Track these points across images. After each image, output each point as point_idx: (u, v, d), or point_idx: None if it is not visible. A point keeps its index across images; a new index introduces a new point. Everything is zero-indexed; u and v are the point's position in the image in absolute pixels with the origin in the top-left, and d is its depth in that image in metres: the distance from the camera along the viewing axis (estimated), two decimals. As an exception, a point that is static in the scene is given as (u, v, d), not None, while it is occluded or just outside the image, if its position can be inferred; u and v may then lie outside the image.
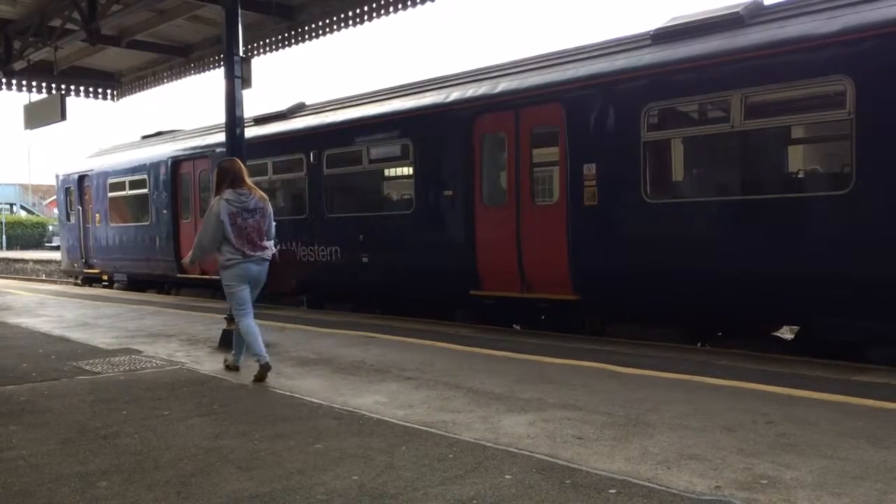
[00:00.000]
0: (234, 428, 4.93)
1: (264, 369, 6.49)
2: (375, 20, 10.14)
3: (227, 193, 6.71)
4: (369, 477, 3.89)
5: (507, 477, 3.84)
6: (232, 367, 7.04)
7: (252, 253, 6.70)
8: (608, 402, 5.41)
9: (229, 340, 8.20)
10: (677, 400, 5.41)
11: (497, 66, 10.65)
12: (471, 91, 10.14)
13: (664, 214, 8.19)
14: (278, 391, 6.06)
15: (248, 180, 6.98)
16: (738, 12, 7.93)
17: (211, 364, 7.36)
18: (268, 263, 6.90)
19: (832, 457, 4.05)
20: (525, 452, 4.26)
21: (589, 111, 8.65)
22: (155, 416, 5.29)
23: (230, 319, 8.40)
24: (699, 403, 5.30)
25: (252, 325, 6.74)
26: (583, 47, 9.64)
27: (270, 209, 6.95)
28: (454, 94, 10.34)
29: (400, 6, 9.72)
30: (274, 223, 7.04)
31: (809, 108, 7.59)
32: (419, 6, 9.60)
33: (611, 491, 3.61)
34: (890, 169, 6.63)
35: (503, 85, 9.78)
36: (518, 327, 10.07)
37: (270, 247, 6.89)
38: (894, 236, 6.62)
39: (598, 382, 6.10)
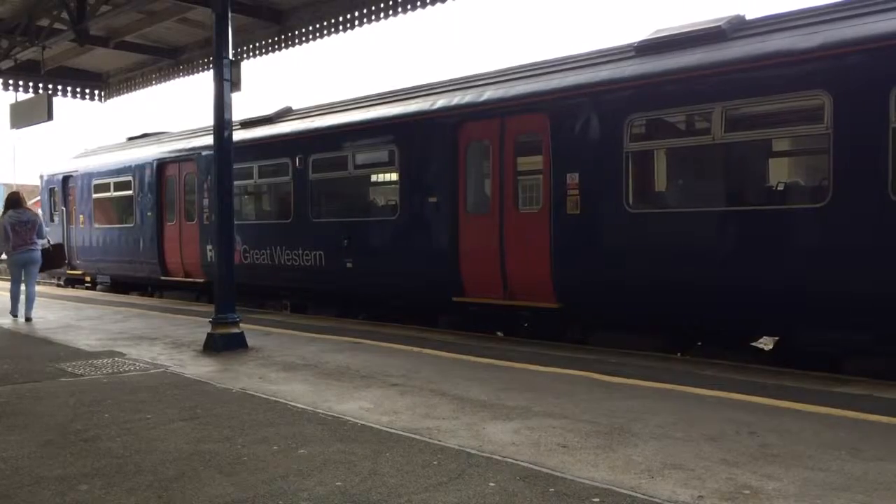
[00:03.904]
0: (218, 432, 4.91)
1: (16, 323, 10.89)
2: (366, 25, 10.13)
3: (9, 212, 11.26)
4: (353, 483, 3.89)
5: (491, 484, 3.85)
6: (26, 320, 11.04)
7: (24, 246, 11.22)
8: (593, 410, 5.44)
9: (215, 344, 8.32)
10: (661, 409, 5.44)
11: (483, 74, 10.68)
12: (457, 99, 10.16)
13: (646, 224, 8.24)
14: (262, 396, 6.03)
15: (25, 203, 11.83)
16: (720, 26, 8.01)
17: (195, 368, 7.33)
18: (38, 253, 11.42)
19: (814, 468, 4.09)
20: (509, 460, 4.26)
21: (573, 121, 8.70)
22: (137, 420, 5.25)
23: (215, 323, 8.45)
24: (683, 413, 5.33)
25: (17, 292, 11.32)
26: (568, 57, 9.69)
27: (40, 220, 11.75)
28: (440, 102, 10.35)
29: (391, 12, 9.73)
30: (46, 228, 12.19)
31: (789, 121, 7.67)
32: (409, 12, 9.61)
33: (594, 499, 3.62)
34: (865, 183, 6.72)
35: (489, 93, 9.80)
36: (501, 334, 10.08)
37: (40, 243, 11.44)
38: (870, 249, 6.70)
39: (583, 391, 6.13)
